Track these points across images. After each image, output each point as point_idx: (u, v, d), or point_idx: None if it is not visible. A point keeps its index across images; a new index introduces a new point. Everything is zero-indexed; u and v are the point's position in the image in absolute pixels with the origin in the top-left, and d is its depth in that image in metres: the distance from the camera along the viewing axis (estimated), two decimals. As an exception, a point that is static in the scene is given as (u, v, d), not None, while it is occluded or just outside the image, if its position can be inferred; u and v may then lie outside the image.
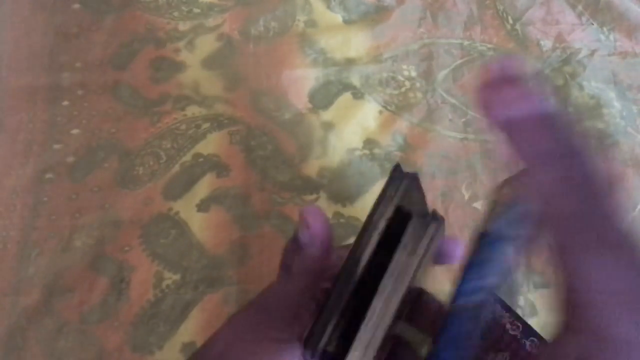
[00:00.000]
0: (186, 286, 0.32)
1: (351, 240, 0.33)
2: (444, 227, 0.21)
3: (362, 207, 0.34)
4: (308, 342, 0.20)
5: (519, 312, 0.32)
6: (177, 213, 0.34)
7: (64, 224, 0.33)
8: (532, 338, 0.27)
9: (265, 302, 0.23)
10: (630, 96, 0.38)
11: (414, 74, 0.39)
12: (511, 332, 0.27)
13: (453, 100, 0.38)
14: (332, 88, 0.38)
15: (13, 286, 0.32)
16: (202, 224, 0.34)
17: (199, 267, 0.33)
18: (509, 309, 0.27)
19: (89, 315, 0.31)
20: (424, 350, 0.22)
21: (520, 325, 0.27)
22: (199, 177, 0.35)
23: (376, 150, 0.36)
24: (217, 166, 0.35)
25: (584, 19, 0.41)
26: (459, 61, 0.39)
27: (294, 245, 0.23)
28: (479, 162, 0.36)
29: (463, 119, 0.37)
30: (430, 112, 0.37)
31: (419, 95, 0.38)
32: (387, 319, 0.20)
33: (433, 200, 0.34)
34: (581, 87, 0.38)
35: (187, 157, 0.35)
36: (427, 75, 0.38)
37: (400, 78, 0.38)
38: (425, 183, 0.35)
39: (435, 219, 0.21)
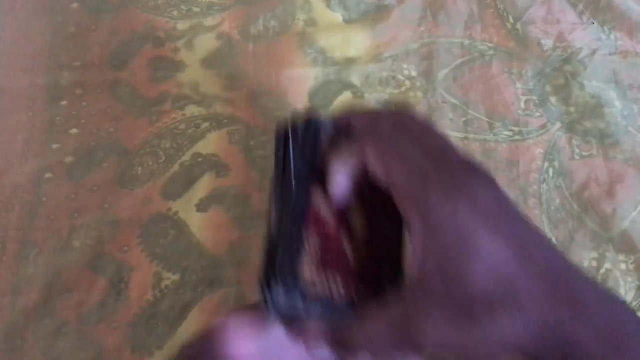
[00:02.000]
0: (185, 287, 0.32)
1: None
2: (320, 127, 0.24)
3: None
4: (263, 285, 0.22)
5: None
6: (176, 213, 0.34)
7: (62, 224, 0.33)
8: None
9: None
10: (631, 96, 0.38)
11: (414, 73, 0.38)
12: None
13: (453, 100, 0.38)
14: (332, 87, 0.38)
15: (12, 286, 0.32)
16: (201, 224, 0.34)
17: (198, 267, 0.33)
18: None
19: (88, 315, 0.31)
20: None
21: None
22: (199, 177, 0.35)
23: (376, 150, 0.36)
24: (217, 166, 0.35)
25: (584, 18, 0.41)
26: (460, 60, 0.39)
27: None
28: (479, 161, 0.36)
29: (463, 119, 0.37)
30: (431, 112, 0.37)
31: (420, 94, 0.38)
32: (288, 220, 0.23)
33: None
34: (582, 87, 0.38)
35: (187, 157, 0.35)
36: (428, 74, 0.38)
37: (401, 77, 0.38)
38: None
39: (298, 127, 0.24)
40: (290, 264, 0.23)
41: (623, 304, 0.21)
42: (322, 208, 0.24)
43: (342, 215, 0.24)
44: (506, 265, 0.20)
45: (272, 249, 0.23)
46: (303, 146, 0.24)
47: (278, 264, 0.22)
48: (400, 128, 0.23)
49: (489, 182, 0.22)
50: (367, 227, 0.24)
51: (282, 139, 0.25)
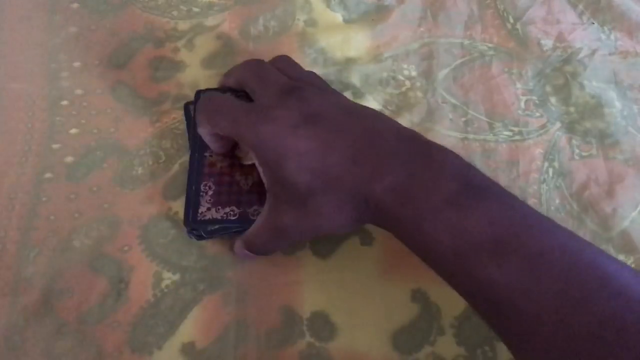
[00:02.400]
0: (185, 286, 0.32)
1: (351, 239, 0.33)
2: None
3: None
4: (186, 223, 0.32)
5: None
6: (176, 213, 0.34)
7: (62, 224, 0.33)
8: None
9: None
10: (631, 96, 0.38)
11: (414, 73, 0.38)
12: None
13: (453, 100, 0.38)
14: (332, 87, 0.38)
15: (12, 286, 0.32)
16: (201, 224, 0.33)
17: (198, 267, 0.33)
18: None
19: (88, 315, 0.31)
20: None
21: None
22: (199, 177, 0.35)
23: (376, 150, 0.36)
24: (217, 166, 0.35)
25: (584, 18, 0.41)
26: (460, 60, 0.39)
27: None
28: (479, 161, 0.36)
29: (463, 119, 0.37)
30: (431, 112, 0.37)
31: (419, 94, 0.38)
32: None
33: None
34: (582, 87, 0.38)
35: (187, 157, 0.35)
36: (428, 74, 0.38)
37: (401, 77, 0.38)
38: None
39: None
40: (194, 211, 0.32)
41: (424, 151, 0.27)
42: (217, 158, 0.33)
43: (233, 156, 0.34)
44: (314, 160, 0.27)
45: (186, 202, 0.32)
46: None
47: (188, 215, 0.32)
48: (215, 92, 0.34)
49: (302, 97, 0.29)
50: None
51: (185, 113, 0.35)
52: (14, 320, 0.31)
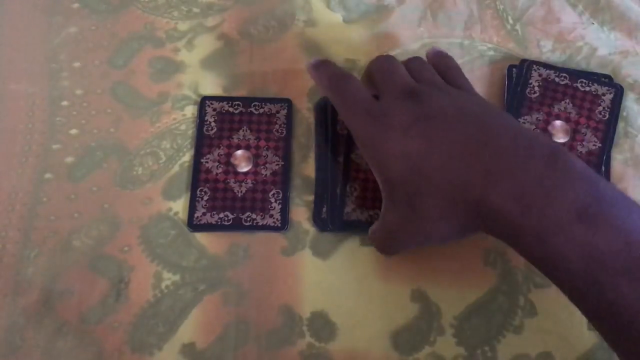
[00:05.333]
0: (186, 287, 0.32)
1: (351, 239, 0.33)
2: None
3: (362, 207, 0.34)
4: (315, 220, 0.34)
5: (519, 312, 0.32)
6: (176, 213, 0.34)
7: (63, 224, 0.33)
8: None
9: None
10: (631, 96, 0.38)
11: (414, 73, 0.38)
12: None
13: (453, 100, 0.38)
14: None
15: (12, 286, 0.32)
16: (201, 224, 0.33)
17: (198, 267, 0.33)
18: None
19: (88, 315, 0.31)
20: None
21: None
22: (199, 177, 0.35)
23: (376, 150, 0.36)
24: (217, 166, 0.35)
25: (584, 18, 0.41)
26: (459, 61, 0.39)
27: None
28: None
29: (463, 119, 0.37)
30: (430, 112, 0.37)
31: (419, 94, 0.38)
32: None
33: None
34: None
35: (187, 157, 0.35)
36: (427, 74, 0.38)
37: (400, 78, 0.38)
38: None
39: None
40: (334, 208, 0.33)
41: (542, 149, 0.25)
42: (213, 164, 0.34)
43: (228, 163, 0.35)
44: (421, 160, 0.26)
45: (331, 203, 0.33)
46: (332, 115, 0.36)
47: (326, 209, 0.33)
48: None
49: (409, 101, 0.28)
50: None
51: (320, 110, 0.36)
52: (14, 320, 0.31)
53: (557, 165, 0.24)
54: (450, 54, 0.35)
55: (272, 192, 0.34)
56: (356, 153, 0.34)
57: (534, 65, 0.37)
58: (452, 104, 0.28)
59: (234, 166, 0.34)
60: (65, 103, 0.37)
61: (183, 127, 0.36)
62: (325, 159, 0.34)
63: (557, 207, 0.23)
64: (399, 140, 0.27)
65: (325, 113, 0.36)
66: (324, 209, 0.33)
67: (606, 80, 0.37)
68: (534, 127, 0.35)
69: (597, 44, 0.40)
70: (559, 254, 0.23)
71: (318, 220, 0.33)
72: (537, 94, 0.36)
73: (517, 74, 0.37)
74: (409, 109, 0.28)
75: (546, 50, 0.39)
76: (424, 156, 0.26)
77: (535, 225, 0.23)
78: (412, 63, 0.32)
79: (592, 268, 0.22)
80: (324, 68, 0.33)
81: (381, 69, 0.31)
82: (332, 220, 0.33)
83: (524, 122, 0.35)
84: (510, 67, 0.37)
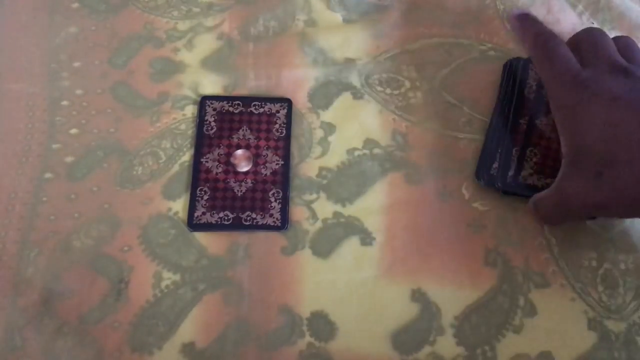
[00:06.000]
0: (186, 286, 0.32)
1: (351, 239, 0.33)
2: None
3: (362, 207, 0.34)
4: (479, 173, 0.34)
5: (519, 312, 0.32)
6: (176, 213, 0.34)
7: (63, 224, 0.33)
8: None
9: None
10: (630, 96, 0.38)
11: (414, 73, 0.38)
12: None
13: (453, 100, 0.38)
14: (332, 88, 0.38)
15: (12, 286, 0.32)
16: (201, 224, 0.33)
17: (198, 267, 0.33)
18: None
19: (88, 315, 0.31)
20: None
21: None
22: (199, 177, 0.35)
23: (376, 150, 0.36)
24: (217, 166, 0.35)
25: (584, 18, 0.41)
26: (459, 60, 0.39)
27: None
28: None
29: (463, 119, 0.37)
30: (430, 112, 0.37)
31: (419, 94, 0.38)
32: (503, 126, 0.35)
33: (432, 199, 0.34)
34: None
35: (186, 157, 0.35)
36: (427, 74, 0.38)
37: (401, 78, 0.38)
38: (424, 182, 0.36)
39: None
40: (507, 167, 0.34)
41: None
42: (212, 164, 0.34)
43: (228, 163, 0.34)
44: (627, 131, 0.27)
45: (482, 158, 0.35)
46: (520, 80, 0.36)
47: (498, 167, 0.34)
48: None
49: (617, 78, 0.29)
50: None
51: (510, 70, 0.37)
52: (14, 320, 0.31)
53: None
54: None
55: (272, 192, 0.34)
56: (541, 120, 0.34)
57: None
58: None
59: (233, 166, 0.34)
60: (65, 103, 0.37)
61: (183, 126, 0.36)
62: (506, 119, 0.35)
63: None
64: (604, 109, 0.28)
65: (515, 73, 0.36)
66: (494, 165, 0.34)
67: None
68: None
69: (597, 44, 0.40)
70: None
71: (485, 175, 0.34)
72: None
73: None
74: (620, 81, 0.28)
75: (546, 50, 0.39)
76: (630, 126, 0.27)
77: None
78: (622, 43, 0.32)
79: None
80: (530, 24, 0.33)
81: (593, 41, 0.31)
82: (502, 179, 0.33)
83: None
84: None
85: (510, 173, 0.33)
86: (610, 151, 0.27)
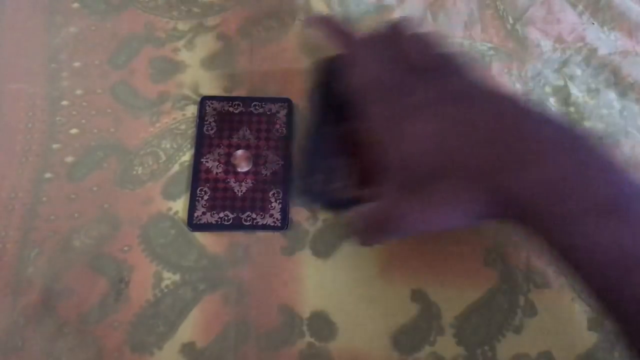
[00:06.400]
0: (186, 286, 0.32)
1: (351, 239, 0.33)
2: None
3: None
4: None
5: (519, 312, 0.32)
6: (176, 213, 0.34)
7: (63, 224, 0.33)
8: None
9: None
10: (631, 96, 0.38)
11: (414, 73, 0.38)
12: None
13: (453, 100, 0.38)
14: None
15: (12, 286, 0.32)
16: (201, 224, 0.33)
17: (198, 267, 0.33)
18: None
19: (88, 315, 0.31)
20: None
21: None
22: (199, 177, 0.35)
23: (376, 150, 0.36)
24: (217, 166, 0.35)
25: (584, 18, 0.41)
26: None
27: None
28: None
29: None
30: (430, 112, 0.37)
31: (419, 94, 0.38)
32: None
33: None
34: (581, 87, 0.38)
35: (187, 157, 0.35)
36: (427, 74, 0.38)
37: (400, 78, 0.38)
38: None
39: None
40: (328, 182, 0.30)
41: (582, 139, 0.24)
42: (213, 164, 0.34)
43: (228, 163, 0.35)
44: (435, 142, 0.24)
45: (302, 173, 0.31)
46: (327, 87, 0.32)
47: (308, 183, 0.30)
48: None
49: (437, 79, 0.26)
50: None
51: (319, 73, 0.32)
52: (14, 320, 0.31)
53: (588, 156, 0.23)
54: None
55: (272, 192, 0.34)
56: (355, 128, 0.30)
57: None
58: (472, 84, 0.27)
59: (234, 166, 0.34)
60: (65, 103, 0.37)
61: (183, 126, 0.36)
62: (322, 129, 0.31)
63: (588, 198, 0.22)
64: (407, 121, 0.25)
65: (325, 76, 0.32)
66: (311, 181, 0.30)
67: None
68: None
69: (597, 44, 0.40)
70: (587, 244, 0.22)
71: (308, 193, 0.30)
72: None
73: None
74: (431, 87, 0.26)
75: (546, 50, 0.39)
76: (438, 138, 0.24)
77: (564, 216, 0.22)
78: (412, 41, 0.29)
79: (621, 262, 0.21)
80: (334, 26, 0.31)
81: (399, 43, 0.28)
82: (321, 194, 0.30)
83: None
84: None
85: (331, 188, 0.30)
86: (425, 164, 0.25)
